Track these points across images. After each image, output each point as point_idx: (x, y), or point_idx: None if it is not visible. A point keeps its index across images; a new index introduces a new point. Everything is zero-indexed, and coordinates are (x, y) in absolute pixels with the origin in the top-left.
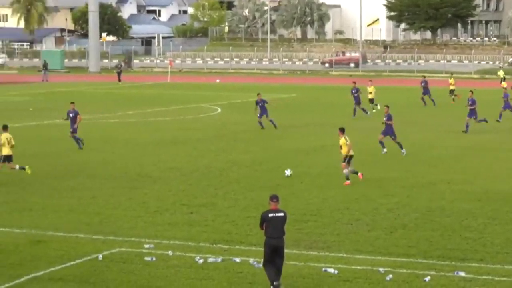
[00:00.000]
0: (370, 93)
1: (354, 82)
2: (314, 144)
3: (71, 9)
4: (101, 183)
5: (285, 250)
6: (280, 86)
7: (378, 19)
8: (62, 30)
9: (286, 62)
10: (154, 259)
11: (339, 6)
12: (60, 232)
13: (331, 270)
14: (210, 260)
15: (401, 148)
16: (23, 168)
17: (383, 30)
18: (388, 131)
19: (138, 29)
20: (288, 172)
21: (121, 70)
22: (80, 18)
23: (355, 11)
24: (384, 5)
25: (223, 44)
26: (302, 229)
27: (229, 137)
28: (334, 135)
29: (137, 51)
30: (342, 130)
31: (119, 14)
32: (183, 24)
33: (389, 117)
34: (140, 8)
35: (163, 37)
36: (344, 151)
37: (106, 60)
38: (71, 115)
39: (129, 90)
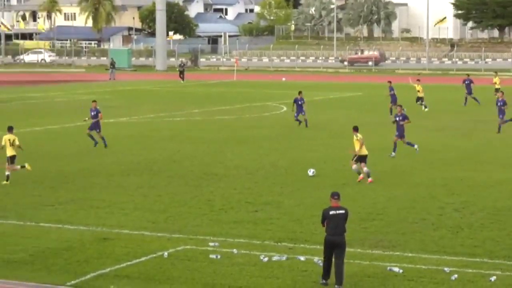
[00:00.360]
0: (418, 91)
1: (390, 82)
2: (379, 143)
3: (139, 8)
4: (166, 181)
5: (350, 249)
6: (346, 84)
7: (445, 18)
8: (130, 28)
9: None
10: (218, 257)
11: (406, 5)
12: (126, 229)
13: (396, 269)
14: (275, 258)
15: (413, 145)
16: (24, 166)
17: (450, 28)
18: (401, 131)
19: (205, 28)
20: (311, 172)
21: (184, 69)
22: (148, 16)
23: (422, 9)
24: (452, 3)
25: (289, 42)
26: (368, 228)
27: (294, 135)
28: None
29: (204, 50)
30: (356, 129)
31: (186, 12)
32: (249, 23)
33: (404, 117)
34: (207, 6)
35: (229, 36)
36: (356, 149)
37: (173, 59)
38: (92, 113)
39: (195, 88)
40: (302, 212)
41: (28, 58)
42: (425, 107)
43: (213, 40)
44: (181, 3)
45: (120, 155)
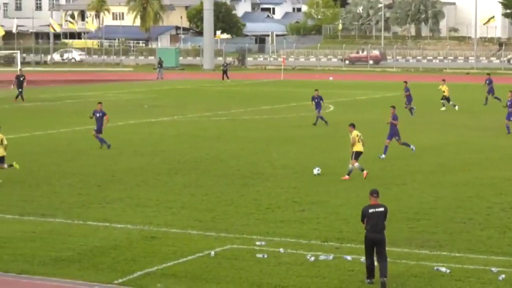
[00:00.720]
0: (444, 91)
1: (406, 82)
2: (426, 142)
3: (186, 7)
4: (213, 180)
5: (397, 249)
6: (393, 83)
7: (493, 17)
8: (177, 28)
9: (399, 60)
10: (265, 256)
11: (454, 4)
12: (173, 228)
13: (443, 269)
14: (321, 257)
15: (409, 145)
16: (11, 165)
17: (498, 27)
18: (394, 132)
19: (252, 27)
20: (316, 170)
21: (227, 69)
22: (195, 16)
23: (470, 8)
24: (500, 2)
25: (337, 41)
26: (415, 227)
27: (341, 134)
28: (447, 133)
29: (251, 49)
30: (352, 126)
31: (234, 12)
32: (297, 22)
33: (395, 118)
34: (254, 6)
35: (276, 35)
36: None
37: (220, 58)
38: (97, 115)
39: (242, 87)
40: (349, 212)
41: (57, 57)
42: (454, 105)
43: (261, 40)
44: (228, 3)
45: (168, 154)
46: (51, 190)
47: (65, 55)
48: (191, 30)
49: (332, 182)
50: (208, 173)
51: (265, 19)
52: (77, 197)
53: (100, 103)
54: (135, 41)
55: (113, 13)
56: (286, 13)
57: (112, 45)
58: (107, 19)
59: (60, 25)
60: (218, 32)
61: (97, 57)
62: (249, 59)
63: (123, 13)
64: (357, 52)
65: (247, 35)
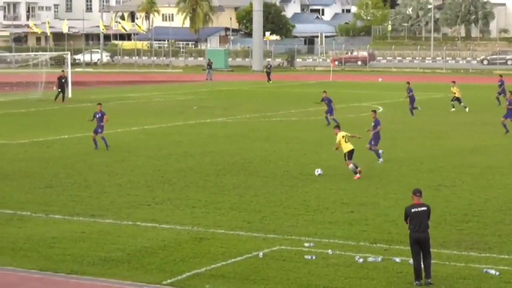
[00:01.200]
0: (454, 93)
1: (408, 82)
2: (476, 144)
3: (236, 8)
4: (262, 181)
5: (446, 251)
6: (443, 85)
7: None
8: (227, 29)
9: (449, 61)
10: (314, 257)
11: (504, 5)
12: (221, 229)
13: (492, 272)
14: (370, 259)
15: (378, 157)
16: None
17: None
18: (376, 138)
19: (302, 28)
20: (318, 171)
21: (270, 71)
22: (244, 17)
23: None
24: None
25: (386, 42)
26: (463, 229)
27: (390, 136)
28: (496, 135)
29: (300, 50)
30: (338, 127)
31: (283, 13)
32: (346, 23)
33: (377, 123)
34: (303, 7)
35: (326, 36)
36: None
37: (269, 59)
38: (97, 115)
39: (291, 89)
40: (398, 213)
41: (85, 57)
42: (465, 107)
43: (310, 41)
44: (278, 4)
45: (217, 155)
46: (100, 191)
47: (94, 56)
48: (240, 31)
49: (381, 183)
50: (257, 174)
51: (314, 20)
52: (126, 197)
53: (99, 104)
54: (185, 42)
55: (162, 15)
56: (336, 14)
57: (162, 46)
58: (157, 21)
59: (111, 26)
60: (267, 33)
61: (146, 59)
62: (298, 60)
63: (172, 15)
64: (347, 53)
65: (296, 36)
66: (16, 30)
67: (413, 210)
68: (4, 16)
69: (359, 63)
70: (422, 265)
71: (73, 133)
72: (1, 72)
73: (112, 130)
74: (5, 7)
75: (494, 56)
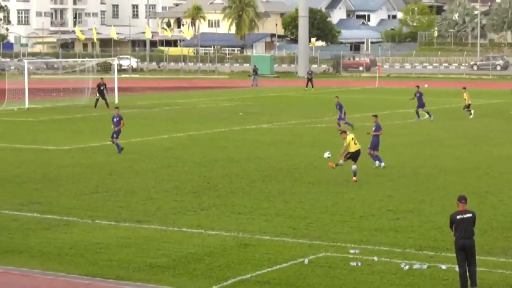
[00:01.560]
0: (465, 99)
1: (418, 86)
2: None
3: (282, 14)
4: (308, 187)
5: (492, 258)
6: (490, 91)
7: None
8: (272, 35)
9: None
10: (359, 264)
11: None
12: (267, 235)
13: None
14: (416, 266)
15: (380, 161)
16: None
17: None
18: (376, 142)
19: (347, 34)
20: (327, 154)
21: (312, 77)
22: (290, 23)
23: None
24: None
25: (432, 49)
26: (510, 236)
27: (436, 142)
28: None
29: (346, 56)
30: (345, 132)
31: (329, 19)
32: (392, 29)
33: (378, 128)
34: (349, 13)
35: (371, 42)
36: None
37: (315, 65)
38: (115, 119)
39: (337, 95)
40: (444, 220)
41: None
42: (470, 114)
43: (355, 47)
44: (324, 10)
45: (262, 161)
46: (146, 197)
47: (122, 62)
48: (286, 37)
49: (427, 190)
50: (302, 180)
51: (360, 26)
52: (172, 203)
53: (117, 107)
54: (230, 48)
55: (208, 21)
56: (381, 20)
57: (208, 52)
58: (203, 27)
59: (156, 32)
60: (313, 39)
61: (192, 65)
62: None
63: (218, 21)
64: (349, 59)
65: (342, 42)
66: (63, 36)
67: (458, 217)
68: (51, 23)
69: (360, 68)
70: (468, 273)
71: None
72: (48, 78)
73: (158, 136)
74: (52, 13)
75: None
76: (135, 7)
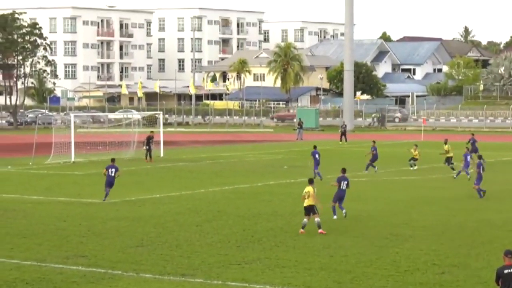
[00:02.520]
0: (447, 151)
1: (473, 134)
2: None
3: (327, 68)
4: (352, 241)
5: None
6: None
7: None
8: (317, 89)
9: None
10: None
11: None
12: None
13: None
14: None
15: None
16: None
17: None
18: (341, 195)
19: (393, 88)
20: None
21: (345, 130)
22: (335, 77)
23: None
24: None
25: (478, 102)
26: None
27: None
28: None
29: (391, 110)
30: (310, 181)
31: (374, 72)
32: (437, 83)
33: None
34: (395, 66)
35: (417, 96)
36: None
37: (360, 119)
38: (110, 169)
39: (382, 148)
40: (490, 275)
41: (115, 116)
42: (453, 168)
43: (401, 100)
44: (369, 63)
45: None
46: (191, 250)
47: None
48: (331, 91)
49: (473, 244)
50: (347, 234)
51: (405, 80)
52: (216, 257)
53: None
54: (276, 102)
55: (254, 74)
56: (427, 74)
57: (253, 106)
58: (248, 80)
59: (201, 86)
60: (358, 93)
61: (237, 118)
62: (389, 119)
63: (263, 74)
64: (284, 111)
65: (387, 96)
66: (110, 90)
67: (505, 271)
68: (98, 77)
69: (295, 120)
70: None
71: (165, 192)
72: (94, 132)
73: (203, 189)
74: (99, 68)
75: None
76: (181, 61)
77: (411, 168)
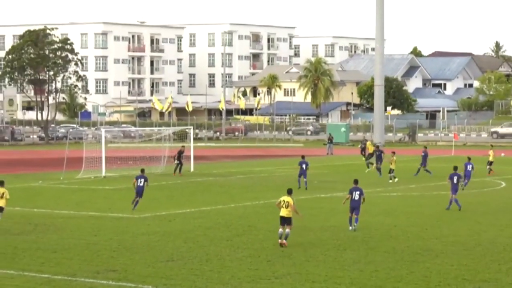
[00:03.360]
0: (391, 163)
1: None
2: None
3: (357, 83)
4: (383, 256)
5: None
6: None
7: None
8: (348, 104)
9: None
10: None
11: None
12: None
13: None
14: None
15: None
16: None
17: None
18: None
19: (423, 103)
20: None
21: (365, 146)
22: (366, 92)
23: None
24: None
25: (509, 117)
26: None
27: None
28: None
29: (421, 125)
30: (288, 191)
31: (405, 87)
32: (468, 98)
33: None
34: (425, 81)
35: (447, 111)
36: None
37: (390, 134)
38: (140, 180)
39: (412, 164)
40: None
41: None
42: (394, 177)
43: (431, 115)
44: (399, 78)
45: (337, 229)
46: (221, 265)
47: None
48: (361, 106)
49: (504, 259)
50: (377, 249)
51: (436, 95)
52: (246, 271)
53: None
54: (306, 117)
55: (284, 89)
56: (458, 89)
57: (283, 121)
58: (279, 95)
59: (232, 102)
60: (389, 108)
61: (268, 133)
62: (420, 134)
63: (294, 89)
64: (230, 125)
65: (418, 111)
66: (141, 105)
67: None
68: (129, 92)
69: (237, 133)
70: None
71: (195, 206)
72: (125, 147)
73: (233, 204)
74: (129, 83)
75: None
76: (211, 76)
77: (395, 180)
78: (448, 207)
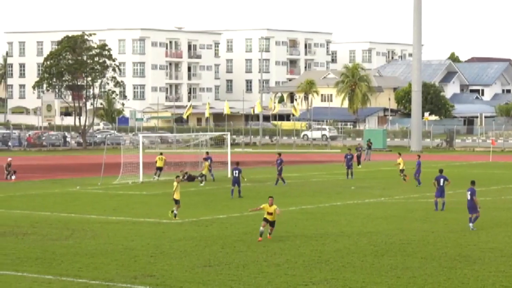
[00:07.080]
0: (399, 164)
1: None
2: None
3: (395, 89)
4: (420, 263)
5: None
6: None
7: None
8: (385, 109)
9: None
10: None
11: None
12: None
13: None
14: None
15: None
16: None
17: None
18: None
19: (461, 108)
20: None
21: (361, 153)
22: (403, 97)
23: None
24: None
25: None
26: None
27: None
28: None
29: (459, 130)
30: (271, 198)
31: (442, 93)
32: (506, 103)
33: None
34: (463, 87)
35: (485, 116)
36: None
37: (428, 140)
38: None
39: (451, 169)
40: None
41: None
42: (404, 179)
43: (469, 121)
44: (437, 84)
45: (374, 235)
46: (258, 270)
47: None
48: (399, 112)
49: None
50: (414, 256)
51: (474, 101)
52: (283, 277)
53: (207, 153)
54: (343, 123)
55: (321, 95)
56: (496, 95)
57: (321, 126)
58: (316, 101)
59: (268, 107)
60: (426, 114)
61: (305, 139)
62: (457, 140)
63: (331, 95)
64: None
65: (455, 117)
66: (178, 111)
67: None
68: (166, 97)
69: (274, 139)
70: None
71: (232, 212)
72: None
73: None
74: (167, 89)
75: None
76: (248, 82)
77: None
78: (436, 209)
